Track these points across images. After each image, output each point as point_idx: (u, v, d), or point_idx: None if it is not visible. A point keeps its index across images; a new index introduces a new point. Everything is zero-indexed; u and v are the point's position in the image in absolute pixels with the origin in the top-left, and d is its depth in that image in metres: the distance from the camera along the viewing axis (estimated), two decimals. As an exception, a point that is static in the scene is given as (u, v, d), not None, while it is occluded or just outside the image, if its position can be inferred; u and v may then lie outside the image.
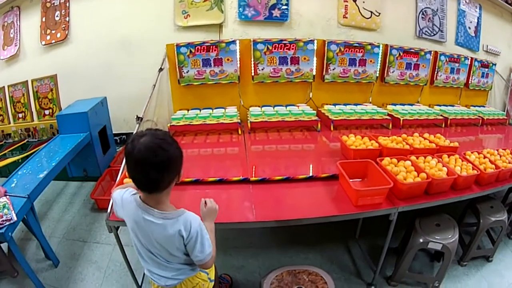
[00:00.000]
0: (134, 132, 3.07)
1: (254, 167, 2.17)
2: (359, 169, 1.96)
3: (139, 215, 1.26)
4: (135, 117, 3.10)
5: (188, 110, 3.21)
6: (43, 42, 3.95)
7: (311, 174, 2.02)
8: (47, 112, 3.98)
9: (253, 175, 2.03)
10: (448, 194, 1.86)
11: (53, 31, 3.93)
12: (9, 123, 4.30)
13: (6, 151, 4.18)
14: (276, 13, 3.45)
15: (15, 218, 2.30)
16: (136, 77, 3.58)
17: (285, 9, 3.43)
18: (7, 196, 2.47)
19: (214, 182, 2.00)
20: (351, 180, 1.80)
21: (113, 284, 2.34)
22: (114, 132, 3.80)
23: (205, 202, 1.48)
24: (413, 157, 2.05)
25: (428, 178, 1.80)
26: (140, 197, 1.28)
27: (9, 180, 2.85)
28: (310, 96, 3.36)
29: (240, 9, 3.43)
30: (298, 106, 3.17)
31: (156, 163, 1.15)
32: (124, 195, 1.33)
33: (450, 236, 1.99)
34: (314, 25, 3.53)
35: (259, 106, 3.19)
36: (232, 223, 1.67)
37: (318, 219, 1.64)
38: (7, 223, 2.26)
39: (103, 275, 2.42)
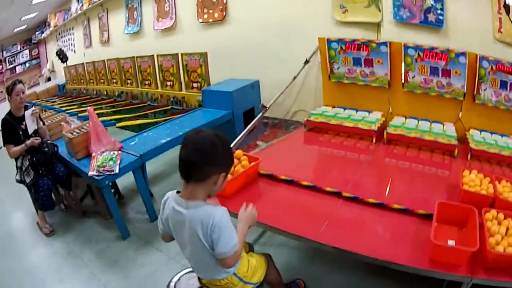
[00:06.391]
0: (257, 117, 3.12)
1: (355, 181, 2.16)
2: (461, 215, 1.69)
3: (172, 207, 1.29)
4: (260, 105, 3.27)
5: (333, 107, 3.25)
6: (200, 20, 4.34)
7: (406, 207, 1.85)
8: (195, 85, 4.43)
9: (350, 190, 2.01)
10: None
11: (210, 11, 4.29)
12: (157, 88, 4.83)
13: (149, 112, 4.77)
14: (431, 17, 3.15)
15: (117, 171, 2.58)
16: (287, 65, 3.68)
17: (440, 14, 3.10)
18: (119, 152, 2.76)
19: (306, 187, 2.06)
20: (446, 226, 1.64)
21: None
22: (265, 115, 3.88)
23: (245, 208, 1.49)
24: (524, 216, 1.69)
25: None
26: (177, 191, 1.32)
27: (132, 138, 3.18)
28: (460, 116, 3.01)
29: (395, 9, 3.25)
30: (444, 125, 2.95)
31: (198, 142, 1.22)
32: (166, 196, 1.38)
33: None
34: (470, 36, 3.08)
35: (405, 117, 3.06)
36: (286, 232, 1.67)
37: (379, 261, 1.50)
38: (107, 173, 2.56)
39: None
